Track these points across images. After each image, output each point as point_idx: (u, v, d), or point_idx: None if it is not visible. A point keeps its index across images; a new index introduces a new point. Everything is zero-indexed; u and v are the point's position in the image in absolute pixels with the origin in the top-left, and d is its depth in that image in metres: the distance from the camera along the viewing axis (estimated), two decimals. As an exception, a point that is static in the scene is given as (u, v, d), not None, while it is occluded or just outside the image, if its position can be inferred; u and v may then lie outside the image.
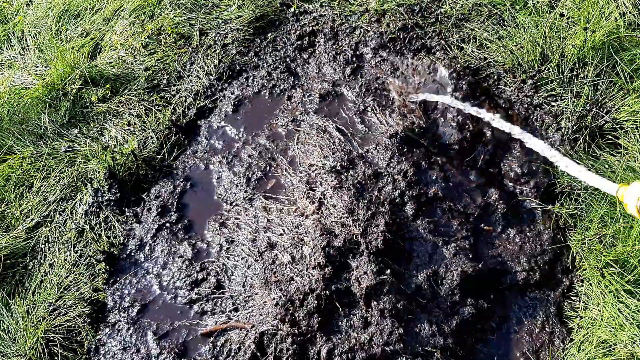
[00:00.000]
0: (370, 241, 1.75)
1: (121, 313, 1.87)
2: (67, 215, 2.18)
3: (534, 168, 2.02)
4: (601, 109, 2.05)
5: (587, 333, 1.64)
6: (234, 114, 2.42)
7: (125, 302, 1.90)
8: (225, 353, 1.69)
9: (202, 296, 1.85)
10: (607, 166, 1.89)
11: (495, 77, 2.30)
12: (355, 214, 1.82)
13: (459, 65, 2.28)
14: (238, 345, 1.68)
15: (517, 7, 2.44)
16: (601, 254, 1.71)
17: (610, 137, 2.00)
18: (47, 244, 2.12)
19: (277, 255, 1.82)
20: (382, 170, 1.99)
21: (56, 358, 1.80)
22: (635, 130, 1.94)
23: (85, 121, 2.54)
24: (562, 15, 2.28)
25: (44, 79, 2.70)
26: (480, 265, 1.76)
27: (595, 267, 1.71)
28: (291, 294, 1.68)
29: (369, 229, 1.78)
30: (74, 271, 2.00)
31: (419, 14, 2.59)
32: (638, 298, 1.60)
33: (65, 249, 2.07)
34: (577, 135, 2.02)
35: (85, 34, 2.95)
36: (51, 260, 2.06)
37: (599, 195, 1.82)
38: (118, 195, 2.18)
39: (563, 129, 2.07)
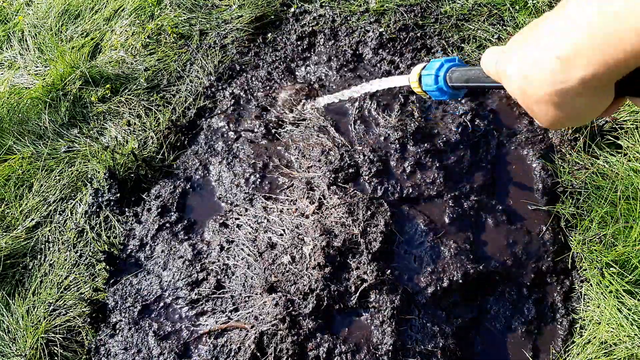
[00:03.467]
0: (370, 241, 1.75)
1: (122, 313, 1.87)
2: (67, 215, 2.18)
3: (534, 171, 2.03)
4: (601, 109, 2.05)
5: (588, 333, 1.64)
6: (234, 114, 2.42)
7: (125, 302, 1.90)
8: (225, 353, 1.69)
9: (202, 296, 1.85)
10: (607, 166, 1.89)
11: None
12: (355, 214, 1.82)
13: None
14: (238, 345, 1.68)
15: (517, 7, 2.44)
16: (601, 254, 1.71)
17: (610, 137, 2.00)
18: (47, 244, 2.12)
19: (277, 255, 1.82)
20: (382, 170, 1.99)
21: (56, 358, 1.80)
22: (635, 130, 1.94)
23: (85, 121, 2.54)
24: (562, 15, 2.28)
25: (44, 79, 2.70)
26: (481, 267, 1.76)
27: (595, 267, 1.71)
28: (291, 294, 1.69)
29: (368, 229, 1.78)
30: (74, 271, 2.00)
31: (419, 14, 2.59)
32: (638, 298, 1.60)
33: (65, 249, 2.07)
34: (577, 135, 2.03)
35: (85, 34, 2.96)
36: (51, 260, 2.06)
37: (600, 195, 1.82)
38: (118, 195, 2.18)
39: (563, 128, 2.07)
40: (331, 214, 1.86)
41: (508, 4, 2.44)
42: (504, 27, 2.39)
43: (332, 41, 2.61)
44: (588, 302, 1.70)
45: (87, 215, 2.15)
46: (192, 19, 2.83)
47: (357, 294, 1.67)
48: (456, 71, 1.03)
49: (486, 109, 2.21)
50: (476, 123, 2.12)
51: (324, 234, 1.77)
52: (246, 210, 2.04)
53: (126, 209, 2.17)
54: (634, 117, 1.98)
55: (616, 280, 1.64)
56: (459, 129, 2.07)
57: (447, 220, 1.88)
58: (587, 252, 1.76)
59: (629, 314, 1.58)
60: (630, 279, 1.63)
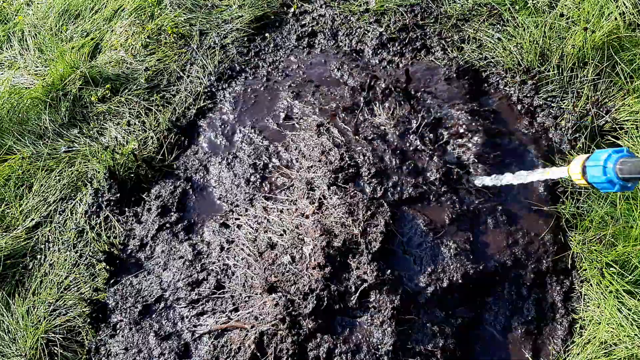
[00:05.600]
0: (370, 241, 1.75)
1: (122, 313, 1.87)
2: (67, 215, 2.18)
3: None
4: (601, 109, 2.05)
5: (588, 333, 1.64)
6: (234, 114, 2.42)
7: (126, 302, 1.90)
8: (225, 353, 1.69)
9: (202, 296, 1.85)
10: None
11: (496, 78, 2.30)
12: (355, 214, 1.82)
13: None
14: (238, 345, 1.68)
15: (517, 7, 2.44)
16: (601, 254, 1.71)
17: (610, 137, 2.00)
18: (47, 244, 2.12)
19: (277, 255, 1.82)
20: (382, 170, 1.99)
21: (56, 358, 1.80)
22: (635, 130, 1.94)
23: (85, 121, 2.54)
24: (562, 15, 2.28)
25: (44, 79, 2.70)
26: (481, 267, 1.76)
27: (595, 267, 1.71)
28: (291, 294, 1.68)
29: (368, 229, 1.78)
30: (74, 271, 2.00)
31: (419, 14, 2.59)
32: (638, 298, 1.60)
33: (65, 249, 2.07)
34: (577, 135, 2.03)
35: (85, 34, 2.96)
36: (51, 260, 2.06)
37: (599, 195, 1.82)
38: (118, 195, 2.18)
39: (563, 129, 2.07)
40: (331, 214, 1.86)
41: (508, 4, 2.44)
42: (504, 27, 2.39)
43: (333, 41, 2.61)
44: (588, 302, 1.70)
45: (87, 215, 2.15)
46: (192, 19, 2.83)
47: (357, 294, 1.67)
48: (628, 162, 1.03)
49: (486, 109, 2.21)
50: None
51: (324, 234, 1.77)
52: (246, 210, 2.04)
53: (126, 209, 2.17)
54: (634, 117, 1.98)
55: (616, 280, 1.64)
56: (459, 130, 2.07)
57: (447, 221, 1.87)
58: (587, 252, 1.76)
59: (629, 314, 1.58)
60: (630, 279, 1.64)
